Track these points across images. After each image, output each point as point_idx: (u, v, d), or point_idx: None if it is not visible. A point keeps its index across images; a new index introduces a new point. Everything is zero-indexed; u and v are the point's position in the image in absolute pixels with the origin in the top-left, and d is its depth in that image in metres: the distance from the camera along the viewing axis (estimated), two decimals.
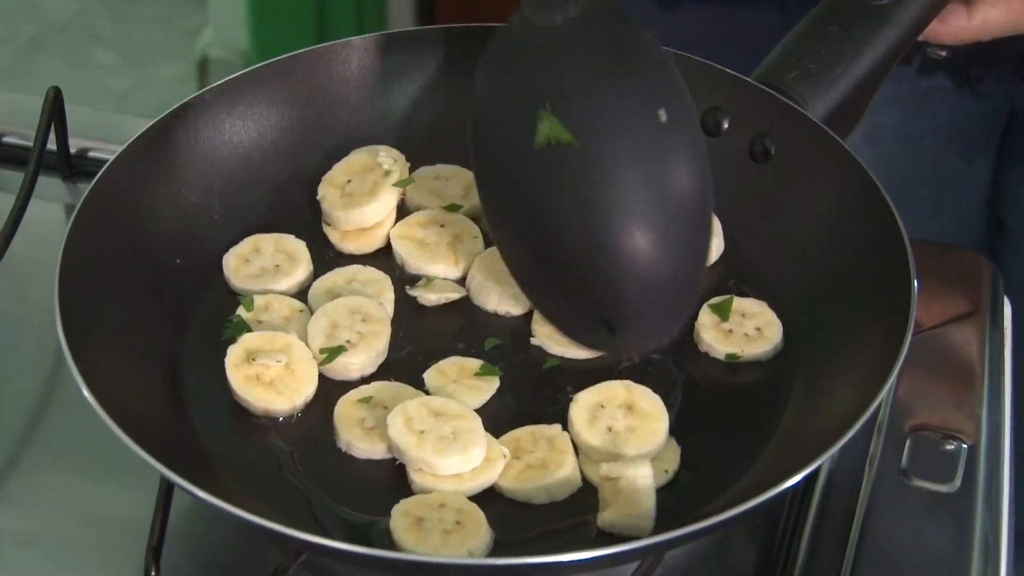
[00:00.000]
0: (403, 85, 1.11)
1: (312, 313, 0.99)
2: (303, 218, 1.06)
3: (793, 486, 0.82)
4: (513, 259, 0.97)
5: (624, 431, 0.91)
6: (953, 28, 1.09)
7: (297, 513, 0.87)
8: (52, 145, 1.14)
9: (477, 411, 0.92)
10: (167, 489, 0.87)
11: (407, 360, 0.97)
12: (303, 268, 1.02)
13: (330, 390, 0.94)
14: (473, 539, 0.85)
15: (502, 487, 0.89)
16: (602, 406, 0.92)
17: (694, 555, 0.90)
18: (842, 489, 0.94)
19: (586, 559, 0.79)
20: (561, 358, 0.97)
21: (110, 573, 0.89)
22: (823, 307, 0.98)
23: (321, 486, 0.89)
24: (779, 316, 0.99)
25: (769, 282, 1.02)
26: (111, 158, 0.99)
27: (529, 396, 0.95)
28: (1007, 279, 1.13)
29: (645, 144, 0.90)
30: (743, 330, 0.98)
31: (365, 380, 0.95)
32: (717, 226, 1.03)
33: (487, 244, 1.03)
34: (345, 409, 0.93)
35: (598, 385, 0.93)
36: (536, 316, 0.99)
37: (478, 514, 0.86)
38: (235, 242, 1.03)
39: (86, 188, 0.97)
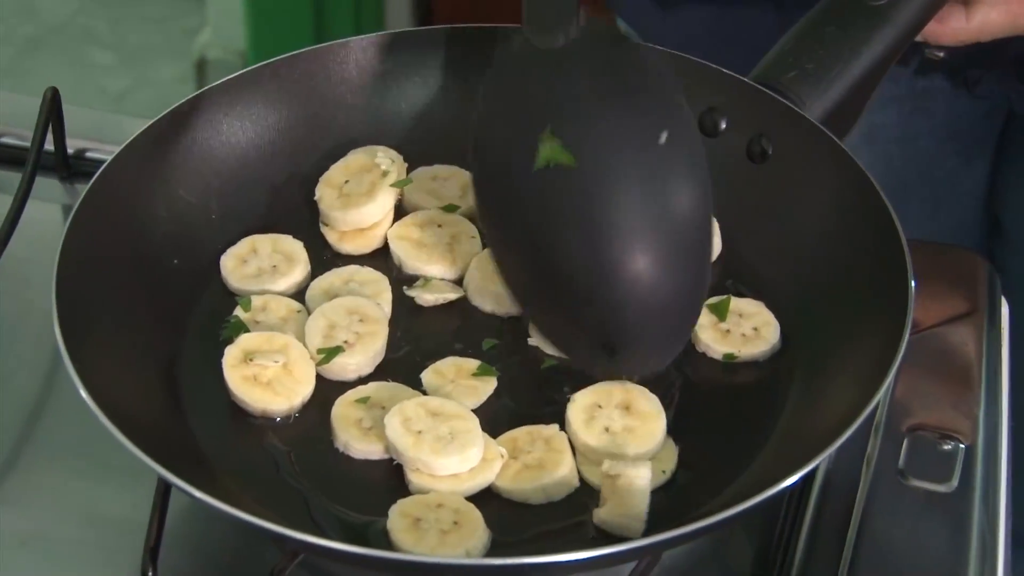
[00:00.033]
0: (401, 86, 1.11)
1: (310, 313, 0.99)
2: (301, 218, 1.06)
3: (790, 486, 0.82)
4: (512, 279, 0.96)
5: (622, 431, 0.91)
6: (952, 29, 1.09)
7: (294, 513, 0.87)
8: (50, 145, 1.14)
9: (474, 411, 0.92)
10: (164, 489, 0.87)
11: (405, 360, 0.97)
12: (301, 268, 1.02)
13: (327, 390, 0.94)
14: (470, 539, 0.85)
15: (499, 487, 0.89)
16: (599, 406, 0.92)
17: (692, 555, 0.90)
18: (839, 489, 0.94)
19: (583, 559, 0.79)
20: (559, 359, 0.97)
21: (107, 573, 0.89)
22: (820, 307, 0.98)
23: (318, 486, 0.89)
24: (776, 316, 0.99)
25: (766, 282, 1.02)
26: (109, 159, 0.99)
27: (526, 396, 0.95)
28: (1004, 279, 1.13)
29: (645, 166, 0.90)
30: (740, 330, 0.98)
31: (363, 380, 0.96)
32: (715, 226, 1.03)
33: (484, 244, 1.03)
34: (342, 409, 0.93)
35: (595, 385, 0.93)
36: None
37: (475, 514, 0.86)
38: (233, 242, 1.03)
39: (84, 189, 0.97)
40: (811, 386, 0.94)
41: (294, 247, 1.03)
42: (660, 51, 1.06)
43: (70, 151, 1.17)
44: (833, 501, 0.93)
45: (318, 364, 0.95)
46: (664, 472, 0.90)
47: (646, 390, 0.93)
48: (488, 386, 0.95)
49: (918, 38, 1.07)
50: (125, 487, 0.91)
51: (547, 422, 0.92)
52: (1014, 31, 1.10)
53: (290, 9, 2.75)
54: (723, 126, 1.05)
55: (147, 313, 0.97)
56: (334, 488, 0.89)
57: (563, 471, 0.89)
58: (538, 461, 0.90)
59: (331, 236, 1.05)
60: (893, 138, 1.36)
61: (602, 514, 0.87)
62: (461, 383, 0.95)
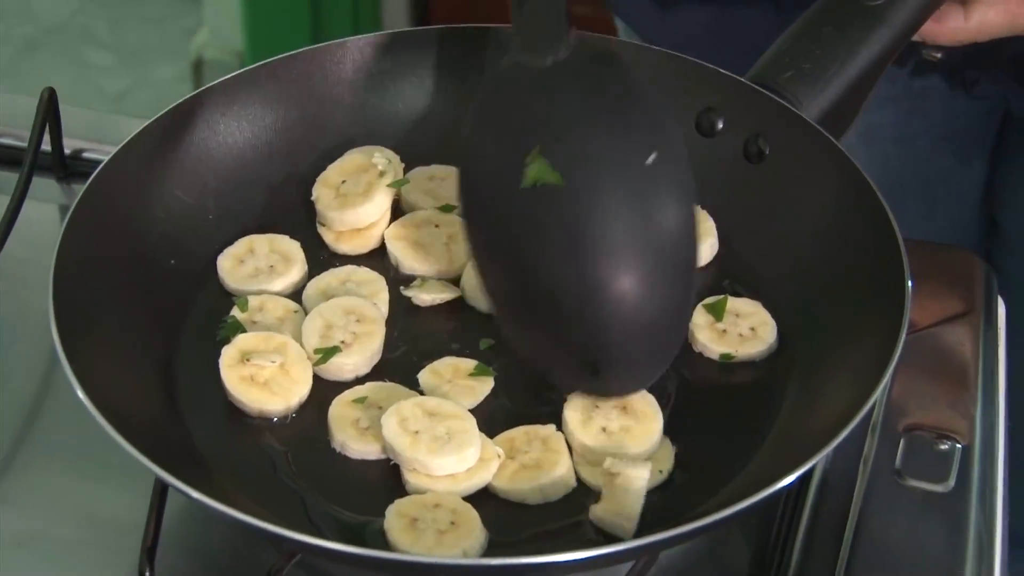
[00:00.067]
0: (398, 86, 1.11)
1: (306, 314, 0.99)
2: (298, 219, 1.06)
3: (787, 486, 0.82)
4: (497, 298, 0.95)
5: (618, 431, 0.91)
6: (950, 29, 1.08)
7: (292, 514, 0.87)
8: (47, 146, 1.14)
9: (471, 411, 0.92)
10: (161, 490, 0.87)
11: (401, 360, 0.97)
12: (297, 269, 1.02)
13: (324, 391, 0.94)
14: (467, 539, 0.85)
15: (496, 487, 0.89)
16: (596, 406, 0.92)
17: (689, 555, 0.90)
18: (836, 489, 0.94)
19: (580, 559, 0.79)
20: None
21: (105, 573, 0.89)
22: (817, 307, 0.98)
23: (315, 486, 0.89)
24: (773, 316, 0.99)
25: (763, 282, 1.02)
26: (106, 159, 0.99)
27: (523, 396, 0.95)
28: (1001, 279, 1.13)
29: (633, 187, 0.90)
30: (737, 330, 0.98)
31: (359, 380, 0.96)
32: (711, 226, 1.03)
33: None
34: (339, 409, 0.93)
35: None
36: None
37: (472, 514, 0.86)
38: (230, 243, 1.03)
39: (81, 189, 0.97)
40: (808, 386, 0.94)
41: (291, 247, 1.03)
42: (657, 52, 1.06)
43: (67, 151, 1.17)
44: (830, 501, 0.94)
45: (315, 364, 0.95)
46: (661, 472, 0.90)
47: (643, 390, 0.93)
48: (485, 386, 0.95)
49: (916, 38, 1.07)
50: (122, 487, 0.91)
51: (544, 422, 0.92)
52: (1012, 31, 1.10)
53: (287, 9, 2.75)
54: (720, 126, 1.05)
55: (144, 313, 0.97)
56: (331, 488, 0.89)
57: (560, 471, 0.89)
58: (535, 461, 0.90)
59: (328, 236, 1.05)
60: (890, 138, 1.36)
61: (598, 511, 0.87)
62: (458, 383, 0.95)
